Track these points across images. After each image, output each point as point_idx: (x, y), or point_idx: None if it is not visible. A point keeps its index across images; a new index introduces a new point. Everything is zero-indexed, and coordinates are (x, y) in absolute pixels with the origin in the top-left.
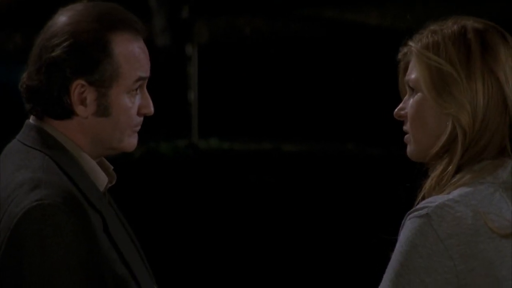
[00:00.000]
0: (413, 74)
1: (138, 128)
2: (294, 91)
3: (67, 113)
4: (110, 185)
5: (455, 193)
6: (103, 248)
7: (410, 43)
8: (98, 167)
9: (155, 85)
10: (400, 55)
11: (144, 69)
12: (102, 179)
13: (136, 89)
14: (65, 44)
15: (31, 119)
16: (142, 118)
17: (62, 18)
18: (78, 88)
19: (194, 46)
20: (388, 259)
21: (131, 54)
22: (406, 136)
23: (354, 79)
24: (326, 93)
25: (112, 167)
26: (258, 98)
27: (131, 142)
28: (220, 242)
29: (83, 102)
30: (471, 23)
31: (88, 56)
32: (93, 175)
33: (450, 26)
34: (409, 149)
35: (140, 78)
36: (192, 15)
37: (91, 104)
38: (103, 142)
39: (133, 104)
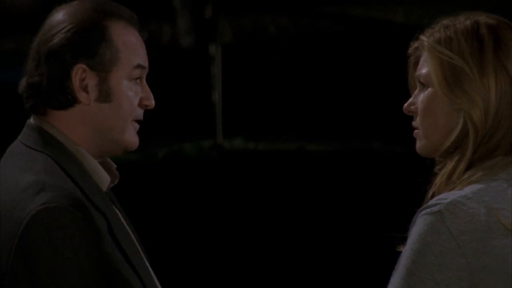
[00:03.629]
0: (424, 68)
1: (138, 124)
2: (319, 90)
3: (70, 101)
4: (112, 184)
5: (467, 190)
6: (109, 249)
7: (422, 37)
8: (100, 166)
9: (179, 85)
10: (410, 50)
11: (142, 58)
12: (104, 178)
13: (136, 79)
14: (62, 31)
15: (32, 119)
16: (142, 111)
17: (57, 14)
18: (79, 73)
19: (218, 46)
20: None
21: (128, 41)
22: (415, 132)
23: (379, 77)
24: (351, 91)
25: (115, 166)
26: (283, 97)
27: (133, 136)
28: (245, 244)
29: (85, 88)
30: (483, 18)
31: (86, 40)
32: (95, 175)
33: (463, 21)
34: (419, 144)
35: (139, 66)
36: (215, 15)
37: (93, 90)
38: (105, 132)
39: (134, 94)
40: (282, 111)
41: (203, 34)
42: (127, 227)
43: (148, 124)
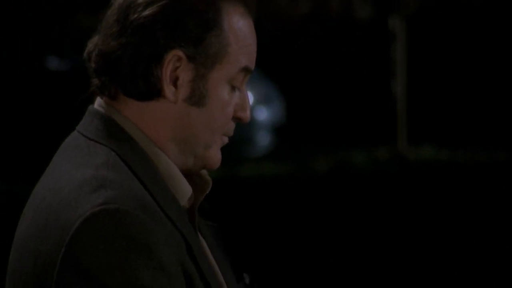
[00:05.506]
0: None
1: (227, 139)
2: None
3: (152, 93)
4: (202, 197)
5: None
6: (189, 275)
7: None
8: (180, 173)
9: (349, 71)
10: None
11: (251, 59)
12: (184, 189)
13: (239, 83)
14: (164, 1)
15: (96, 104)
16: (234, 126)
17: None
18: (173, 61)
19: (401, 18)
20: None
21: (243, 33)
22: None
23: None
24: None
25: (205, 171)
26: (491, 90)
27: (218, 154)
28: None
29: (174, 82)
30: None
31: (193, 21)
32: (173, 183)
33: None
34: None
35: (245, 69)
36: None
37: (184, 86)
38: (186, 141)
39: (231, 102)
40: (489, 110)
41: (382, 3)
42: (212, 259)
43: (305, 127)
